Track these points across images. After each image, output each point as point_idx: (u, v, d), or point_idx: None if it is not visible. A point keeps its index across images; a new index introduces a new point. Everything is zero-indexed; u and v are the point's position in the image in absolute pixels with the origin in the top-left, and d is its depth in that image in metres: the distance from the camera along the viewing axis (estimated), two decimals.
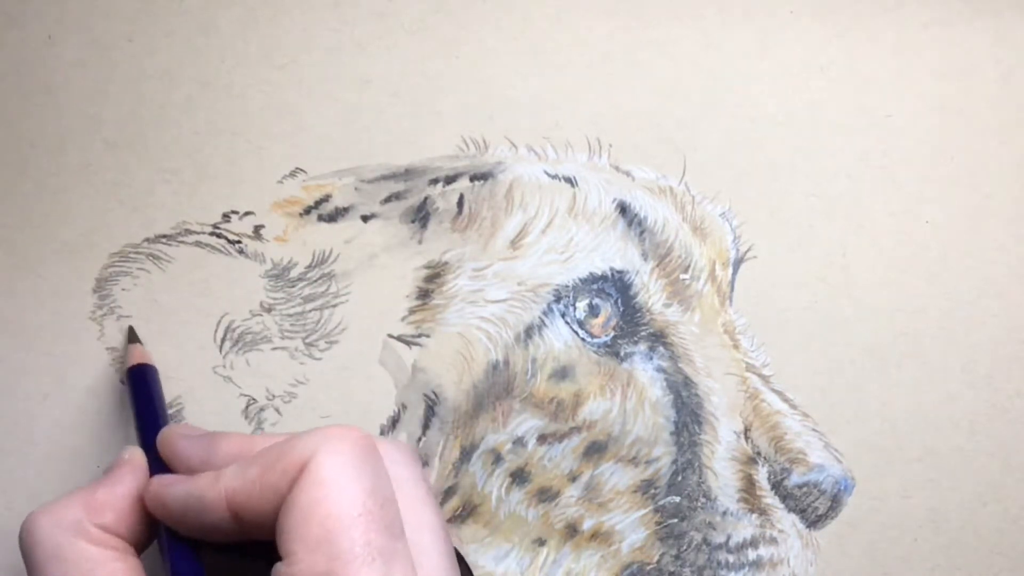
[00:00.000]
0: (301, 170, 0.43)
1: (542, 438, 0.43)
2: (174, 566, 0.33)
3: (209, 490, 0.32)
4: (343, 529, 0.30)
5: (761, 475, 0.43)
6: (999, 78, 0.44)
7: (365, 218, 0.43)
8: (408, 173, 0.43)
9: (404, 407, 0.43)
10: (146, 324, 0.43)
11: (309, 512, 0.30)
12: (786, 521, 0.43)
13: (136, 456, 0.36)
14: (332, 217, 0.43)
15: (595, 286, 0.43)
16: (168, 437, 0.36)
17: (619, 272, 0.43)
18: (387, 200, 0.43)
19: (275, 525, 0.31)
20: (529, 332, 0.43)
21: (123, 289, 0.43)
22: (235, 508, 0.32)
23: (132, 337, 0.42)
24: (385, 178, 0.43)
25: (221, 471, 0.33)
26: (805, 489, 0.43)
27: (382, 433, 0.43)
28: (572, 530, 0.43)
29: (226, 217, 0.43)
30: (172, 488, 0.33)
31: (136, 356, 0.41)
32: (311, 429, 0.33)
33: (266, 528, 0.31)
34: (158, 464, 0.36)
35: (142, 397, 0.39)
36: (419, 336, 0.43)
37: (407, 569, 0.30)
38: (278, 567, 0.31)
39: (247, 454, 0.33)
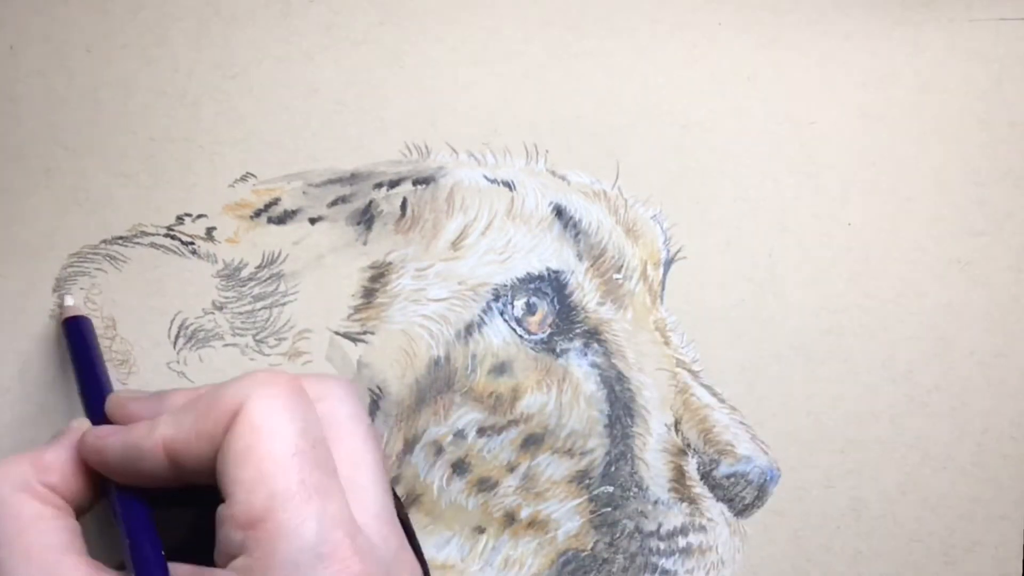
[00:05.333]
0: (251, 174, 0.45)
1: (481, 430, 0.45)
2: (124, 516, 0.34)
3: (146, 439, 0.33)
4: (278, 470, 0.31)
5: (691, 466, 0.45)
6: (918, 87, 0.46)
7: (312, 221, 0.45)
8: (354, 177, 0.45)
9: None
10: (102, 322, 0.44)
11: (245, 456, 0.31)
12: (715, 510, 0.45)
13: (85, 425, 0.37)
14: (281, 219, 0.45)
15: (532, 285, 0.45)
16: (118, 401, 0.37)
17: (555, 272, 0.45)
18: (333, 203, 0.45)
19: (213, 469, 0.32)
20: (469, 329, 0.45)
21: (81, 288, 0.45)
22: (172, 455, 0.33)
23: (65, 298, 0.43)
24: (331, 182, 0.45)
25: (156, 420, 0.34)
26: (733, 479, 0.45)
27: None
28: (510, 518, 0.45)
29: (180, 219, 0.45)
30: (109, 439, 0.34)
31: (71, 310, 0.42)
32: (241, 375, 0.34)
33: (204, 473, 0.33)
34: (101, 422, 0.37)
35: (83, 353, 0.39)
36: (364, 333, 0.45)
37: (341, 505, 0.32)
38: (221, 509, 0.32)
39: None
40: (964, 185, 0.46)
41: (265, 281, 0.45)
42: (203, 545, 0.33)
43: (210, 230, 0.45)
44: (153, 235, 0.45)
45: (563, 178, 0.45)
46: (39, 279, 0.45)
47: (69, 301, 0.43)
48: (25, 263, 0.44)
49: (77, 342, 0.40)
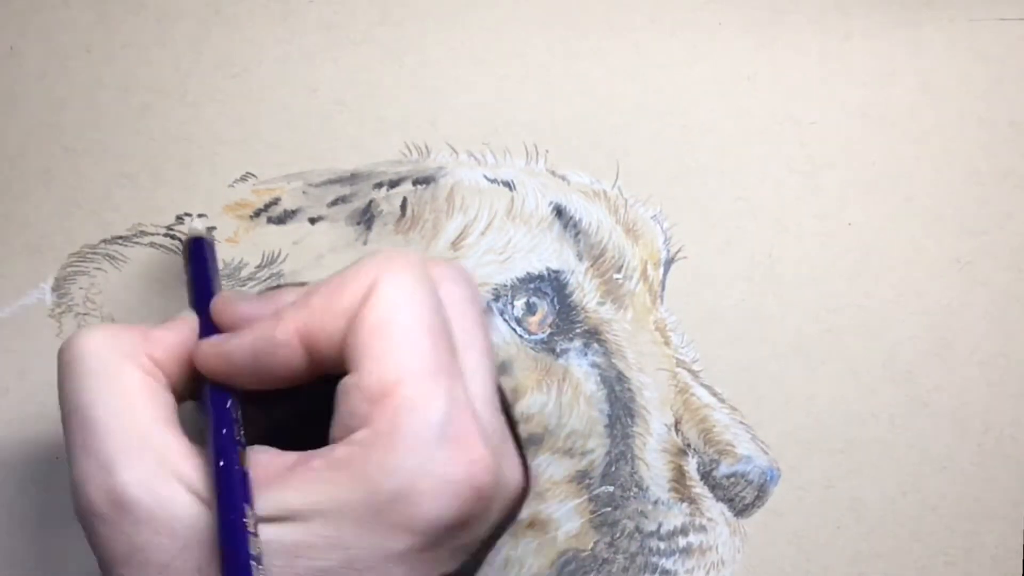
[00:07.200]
0: (251, 174, 0.45)
1: None
2: (215, 414, 0.32)
3: (277, 330, 0.32)
4: (413, 345, 0.31)
5: (691, 466, 0.45)
6: (918, 87, 0.46)
7: (312, 220, 0.45)
8: (353, 177, 0.45)
9: None
10: (101, 322, 0.45)
11: (380, 327, 0.31)
12: (715, 510, 0.45)
13: (193, 316, 0.36)
14: (281, 219, 0.45)
15: (532, 285, 0.45)
16: (226, 300, 0.35)
17: (555, 272, 0.45)
18: (333, 203, 0.45)
19: (343, 346, 0.31)
20: None
21: (80, 288, 0.45)
22: (307, 339, 0.32)
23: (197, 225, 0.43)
24: (331, 182, 0.45)
25: (281, 312, 0.33)
26: (733, 479, 0.45)
27: None
28: None
29: (180, 219, 0.45)
30: (233, 341, 0.33)
31: (197, 231, 0.41)
32: (366, 256, 0.33)
33: (333, 355, 0.32)
34: (209, 332, 0.35)
35: (200, 267, 0.39)
36: None
37: (461, 388, 0.31)
38: (346, 380, 0.31)
39: None
40: (964, 185, 0.46)
41: (265, 281, 0.45)
42: (285, 443, 0.32)
43: (210, 230, 0.45)
44: (153, 235, 0.45)
45: (563, 178, 0.46)
46: (39, 279, 0.45)
47: (198, 223, 0.43)
48: (25, 263, 0.45)
49: (198, 260, 0.39)
